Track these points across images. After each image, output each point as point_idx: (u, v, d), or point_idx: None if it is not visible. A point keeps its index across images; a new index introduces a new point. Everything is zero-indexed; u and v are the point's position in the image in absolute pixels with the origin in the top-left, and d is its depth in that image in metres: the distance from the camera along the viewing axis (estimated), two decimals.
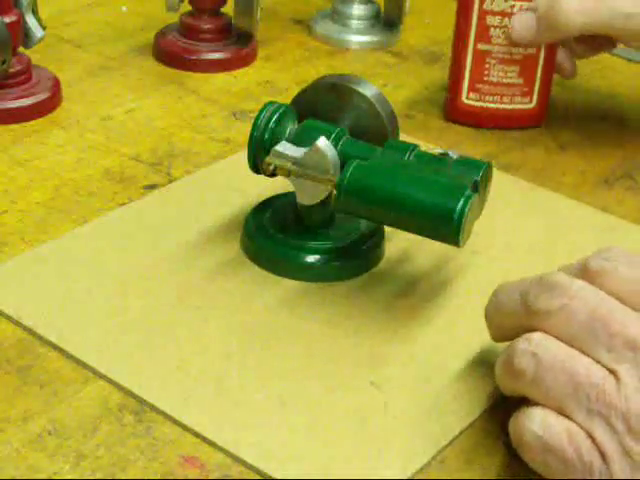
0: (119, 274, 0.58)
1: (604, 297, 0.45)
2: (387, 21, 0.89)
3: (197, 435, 0.48)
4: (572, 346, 0.45)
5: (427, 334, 0.55)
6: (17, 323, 0.54)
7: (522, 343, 0.46)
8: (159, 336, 0.54)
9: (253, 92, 0.78)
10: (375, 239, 0.60)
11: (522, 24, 0.71)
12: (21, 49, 0.73)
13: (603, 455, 0.42)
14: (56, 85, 0.75)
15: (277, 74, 0.82)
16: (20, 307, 0.55)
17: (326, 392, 0.51)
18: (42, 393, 0.50)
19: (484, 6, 0.72)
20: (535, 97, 0.75)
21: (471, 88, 0.75)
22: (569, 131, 0.77)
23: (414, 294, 0.58)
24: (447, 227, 0.52)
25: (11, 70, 0.71)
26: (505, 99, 0.75)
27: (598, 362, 0.44)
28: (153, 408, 0.50)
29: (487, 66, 0.74)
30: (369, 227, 0.60)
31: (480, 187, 0.55)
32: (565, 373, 0.44)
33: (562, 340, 0.45)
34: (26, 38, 0.73)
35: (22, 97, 0.73)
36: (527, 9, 0.71)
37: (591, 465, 0.43)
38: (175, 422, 0.49)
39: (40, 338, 0.53)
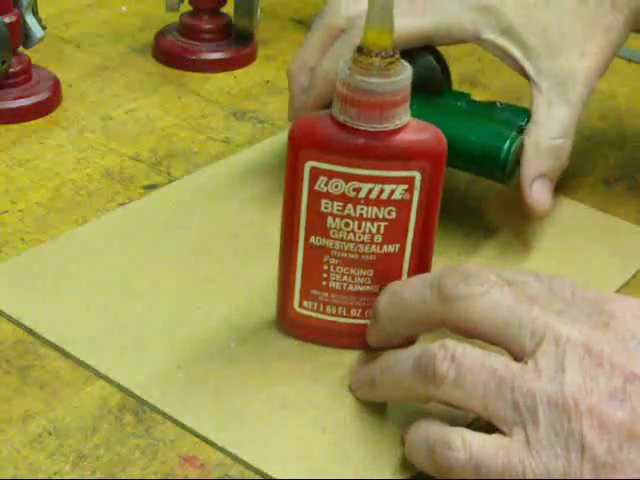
0: (119, 274, 0.58)
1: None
2: None
3: (197, 435, 0.48)
4: (493, 332, 0.45)
5: (426, 334, 0.55)
6: (17, 323, 0.54)
7: (438, 350, 0.45)
8: (159, 336, 0.54)
9: (253, 92, 0.78)
10: None
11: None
12: (21, 49, 0.73)
13: (529, 445, 0.42)
14: (56, 85, 0.75)
15: (277, 74, 0.81)
16: (20, 307, 0.55)
17: (326, 392, 0.51)
18: (42, 393, 0.50)
19: (316, 187, 0.49)
20: None
21: (304, 294, 0.52)
22: None
23: None
24: (495, 164, 0.58)
25: (11, 70, 0.71)
26: (355, 312, 0.52)
27: (520, 350, 0.44)
28: (153, 408, 0.50)
29: (325, 267, 0.51)
30: None
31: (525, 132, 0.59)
32: (486, 370, 0.44)
33: (483, 326, 0.45)
34: (26, 38, 0.73)
35: (22, 97, 0.73)
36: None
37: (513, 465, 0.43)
38: (175, 422, 0.49)
39: (40, 338, 0.53)
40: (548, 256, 0.62)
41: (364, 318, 0.52)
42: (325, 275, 0.51)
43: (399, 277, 0.51)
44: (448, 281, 0.46)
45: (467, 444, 0.43)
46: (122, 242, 0.60)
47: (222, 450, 0.48)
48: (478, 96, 0.62)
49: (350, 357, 0.53)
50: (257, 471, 0.47)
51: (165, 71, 0.81)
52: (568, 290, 0.47)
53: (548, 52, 0.60)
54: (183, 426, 0.49)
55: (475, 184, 0.67)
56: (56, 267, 0.58)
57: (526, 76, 0.61)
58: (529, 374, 0.43)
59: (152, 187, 0.66)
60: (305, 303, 0.52)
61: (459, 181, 0.68)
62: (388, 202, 0.49)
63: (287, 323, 0.54)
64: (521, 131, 0.59)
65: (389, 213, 0.49)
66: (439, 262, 0.60)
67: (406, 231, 0.49)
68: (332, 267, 0.50)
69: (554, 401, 0.42)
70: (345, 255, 0.50)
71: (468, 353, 0.45)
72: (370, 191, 0.48)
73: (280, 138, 0.71)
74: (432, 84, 0.62)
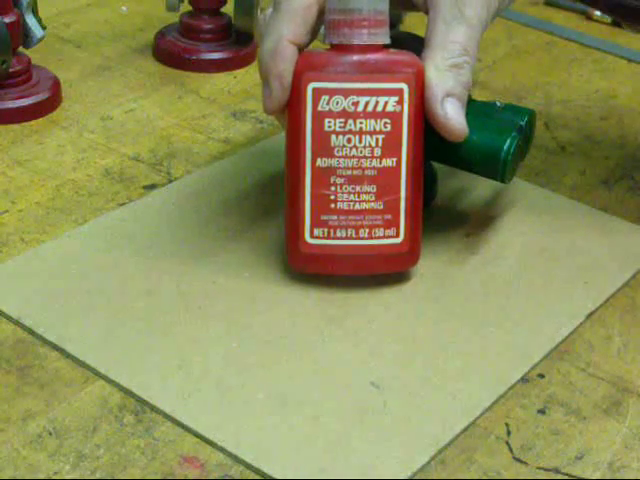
0: (119, 274, 0.58)
1: None
2: None
3: (197, 435, 0.48)
4: None
5: (426, 333, 0.55)
6: (17, 323, 0.54)
7: None
8: (159, 336, 0.54)
9: (253, 92, 0.78)
10: None
11: None
12: (21, 49, 0.73)
13: None
14: (56, 85, 0.75)
15: None
16: (20, 307, 0.55)
17: (326, 392, 0.51)
18: (42, 393, 0.50)
19: (319, 107, 0.54)
20: (402, 228, 0.56)
21: (315, 221, 0.56)
22: (569, 131, 0.77)
23: (411, 295, 0.58)
24: (495, 164, 0.58)
25: (11, 70, 0.72)
26: (362, 232, 0.56)
27: None
28: (153, 408, 0.50)
29: (333, 188, 0.55)
30: None
31: (525, 131, 0.59)
32: None
33: None
34: (26, 38, 0.73)
35: (22, 97, 0.73)
36: None
37: None
38: (175, 422, 0.49)
39: (40, 338, 0.53)
40: (548, 256, 0.62)
41: (372, 239, 0.56)
42: (333, 197, 0.55)
43: (398, 191, 0.55)
44: None
45: None
46: (122, 242, 0.60)
47: (222, 450, 0.48)
48: (478, 96, 0.62)
49: (353, 356, 0.53)
50: (257, 471, 0.47)
51: (165, 71, 0.81)
52: None
53: None
54: (183, 426, 0.49)
55: (474, 184, 0.67)
56: (56, 267, 0.58)
57: None
58: None
59: (152, 187, 0.66)
60: (316, 231, 0.55)
61: (459, 181, 0.68)
62: (383, 114, 0.54)
63: (299, 260, 0.57)
64: (521, 131, 0.59)
65: (385, 125, 0.54)
66: (439, 261, 0.61)
67: (401, 143, 0.55)
68: (339, 187, 0.55)
69: None
70: (350, 172, 0.55)
71: None
72: (367, 104, 0.54)
73: (280, 138, 0.71)
74: None
